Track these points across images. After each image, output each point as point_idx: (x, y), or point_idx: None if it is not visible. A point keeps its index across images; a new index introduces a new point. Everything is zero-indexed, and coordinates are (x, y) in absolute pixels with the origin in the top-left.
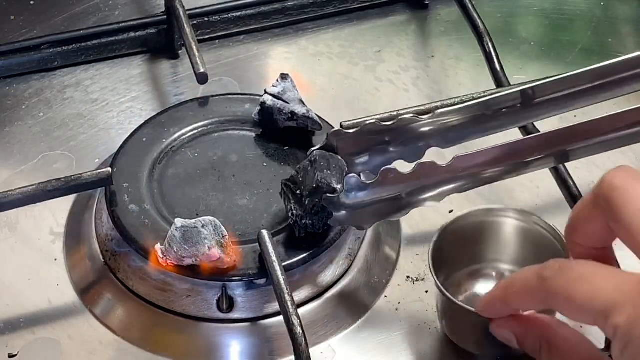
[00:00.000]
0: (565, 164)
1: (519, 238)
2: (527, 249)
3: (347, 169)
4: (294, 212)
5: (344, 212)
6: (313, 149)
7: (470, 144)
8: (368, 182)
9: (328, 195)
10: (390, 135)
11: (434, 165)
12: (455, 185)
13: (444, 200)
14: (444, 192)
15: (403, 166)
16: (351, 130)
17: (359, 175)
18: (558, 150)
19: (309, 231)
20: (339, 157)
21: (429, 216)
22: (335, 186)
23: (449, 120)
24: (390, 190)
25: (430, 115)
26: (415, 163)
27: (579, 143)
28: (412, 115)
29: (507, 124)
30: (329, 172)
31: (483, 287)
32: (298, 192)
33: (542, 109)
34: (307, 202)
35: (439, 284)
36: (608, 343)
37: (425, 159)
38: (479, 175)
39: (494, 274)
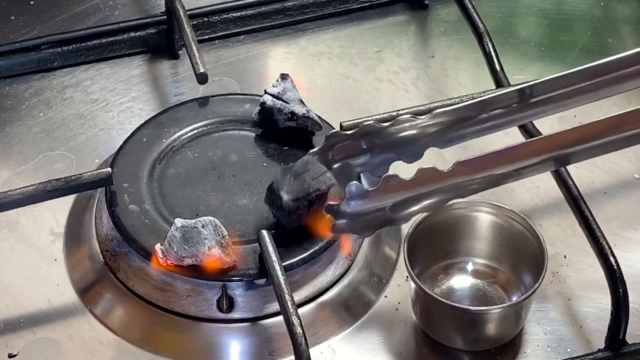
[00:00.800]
0: None
1: (493, 231)
2: (501, 242)
3: (312, 183)
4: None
5: (345, 220)
6: (312, 150)
7: (470, 144)
8: (370, 189)
9: (330, 203)
10: (388, 136)
11: (435, 171)
12: (454, 194)
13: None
14: (444, 200)
15: (403, 168)
16: (349, 132)
17: (359, 177)
18: (558, 153)
19: (290, 226)
20: (311, 173)
21: None
22: (282, 194)
23: (446, 120)
24: (392, 198)
25: (428, 115)
26: (417, 169)
27: (579, 145)
28: (410, 115)
29: (505, 124)
30: (287, 181)
31: (458, 281)
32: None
33: (540, 107)
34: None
35: (415, 278)
36: (608, 343)
37: (426, 165)
38: (479, 180)
39: (468, 268)
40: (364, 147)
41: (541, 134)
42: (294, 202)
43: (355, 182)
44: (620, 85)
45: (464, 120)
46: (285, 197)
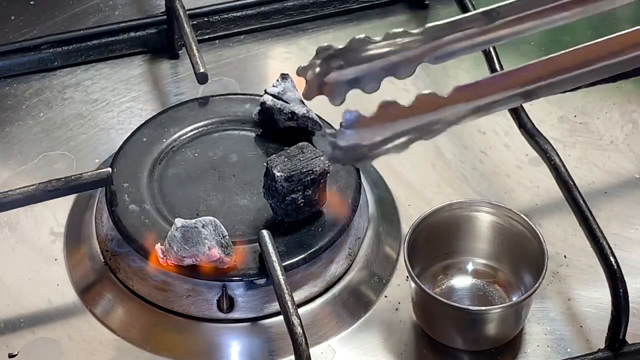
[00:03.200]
0: (565, 164)
1: (493, 231)
2: (501, 241)
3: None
4: (269, 202)
5: (341, 150)
6: (301, 65)
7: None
8: (367, 115)
9: (329, 131)
10: (380, 56)
11: (434, 97)
12: (452, 119)
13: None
14: (439, 128)
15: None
16: (340, 46)
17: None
18: (525, 89)
19: (287, 220)
20: (305, 156)
21: None
22: (275, 172)
23: (438, 36)
24: (388, 128)
25: (418, 31)
26: (415, 95)
27: (545, 80)
28: (402, 30)
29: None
30: (282, 159)
31: (458, 281)
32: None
33: (507, 29)
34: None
35: (415, 278)
36: (608, 343)
37: (425, 90)
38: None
39: (468, 268)
40: (353, 60)
41: None
42: (288, 182)
43: (353, 110)
44: (589, 7)
45: (458, 31)
46: (279, 174)
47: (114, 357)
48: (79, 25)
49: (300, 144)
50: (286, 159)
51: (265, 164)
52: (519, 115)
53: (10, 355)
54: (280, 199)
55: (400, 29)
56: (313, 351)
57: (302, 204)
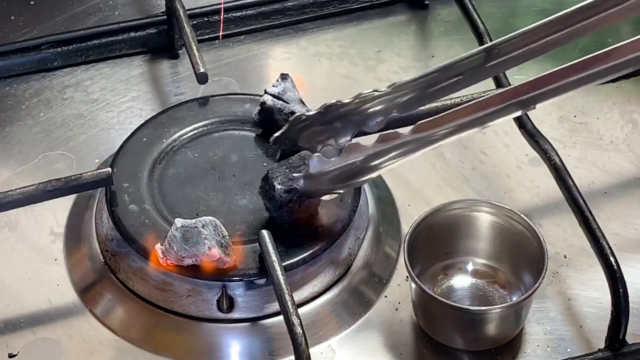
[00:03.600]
0: (565, 164)
1: (493, 231)
2: (501, 241)
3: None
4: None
5: (306, 181)
6: (275, 135)
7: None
8: (332, 158)
9: (294, 174)
10: (350, 114)
11: (397, 135)
12: (414, 146)
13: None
14: (402, 153)
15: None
16: (310, 113)
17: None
18: (520, 99)
19: (279, 221)
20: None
21: None
22: (275, 184)
23: (411, 91)
24: (351, 158)
25: (390, 88)
26: (378, 134)
27: (540, 89)
28: (371, 90)
29: (469, 84)
30: (283, 169)
31: (458, 281)
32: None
33: (505, 63)
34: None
35: (415, 278)
36: (608, 343)
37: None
38: (442, 133)
39: (468, 268)
40: (327, 126)
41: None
42: (287, 193)
43: (317, 154)
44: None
45: (429, 88)
46: (279, 187)
47: (114, 357)
48: (79, 25)
49: (302, 153)
50: (287, 170)
51: (267, 172)
52: (519, 116)
53: (10, 355)
54: (277, 206)
55: (370, 90)
56: (313, 351)
57: (297, 208)
